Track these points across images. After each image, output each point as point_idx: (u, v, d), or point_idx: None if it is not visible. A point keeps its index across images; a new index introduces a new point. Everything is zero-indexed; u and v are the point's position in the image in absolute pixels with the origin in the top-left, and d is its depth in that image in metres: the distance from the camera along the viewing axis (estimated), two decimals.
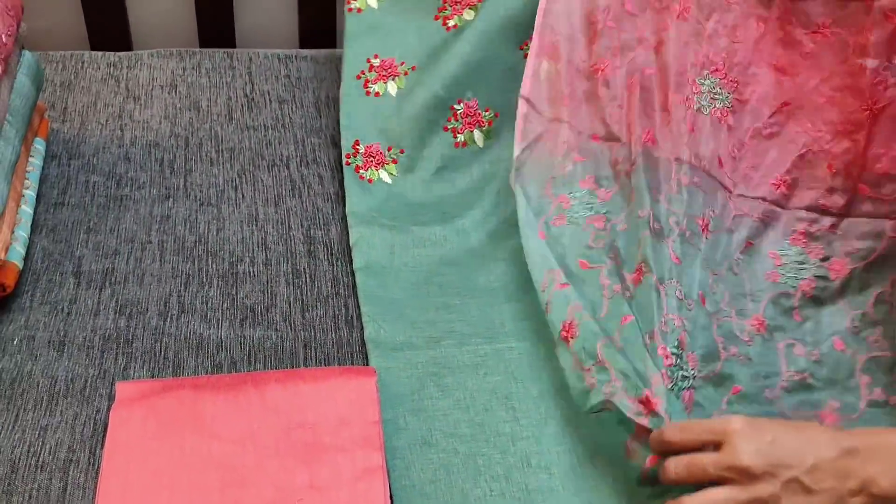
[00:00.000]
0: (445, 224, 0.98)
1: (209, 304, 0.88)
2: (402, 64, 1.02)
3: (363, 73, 1.03)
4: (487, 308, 0.90)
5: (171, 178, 1.01)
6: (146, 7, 1.24)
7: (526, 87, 0.92)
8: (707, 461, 0.65)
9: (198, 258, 0.92)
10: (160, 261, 0.92)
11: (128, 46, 1.23)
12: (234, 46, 1.26)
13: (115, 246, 0.93)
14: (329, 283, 0.91)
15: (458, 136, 1.02)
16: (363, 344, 0.86)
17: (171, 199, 0.98)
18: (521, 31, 0.99)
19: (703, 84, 0.88)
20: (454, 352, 0.86)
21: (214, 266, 0.92)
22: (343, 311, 0.89)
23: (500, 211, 0.97)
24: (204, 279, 0.90)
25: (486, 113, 1.02)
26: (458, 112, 1.02)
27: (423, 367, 0.84)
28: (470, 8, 1.02)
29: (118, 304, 0.87)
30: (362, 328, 0.87)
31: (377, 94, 1.02)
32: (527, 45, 0.97)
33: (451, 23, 1.02)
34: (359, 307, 0.89)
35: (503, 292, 0.92)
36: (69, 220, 0.95)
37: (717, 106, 0.88)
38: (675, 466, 0.66)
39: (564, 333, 0.80)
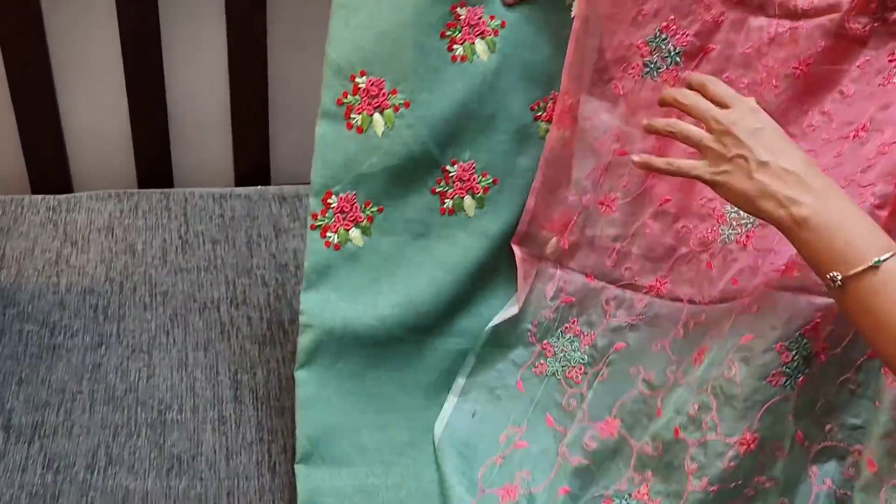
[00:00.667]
0: (406, 315, 0.91)
1: (137, 455, 0.91)
2: (395, 93, 0.86)
3: (346, 95, 0.85)
4: (420, 429, 0.93)
5: (105, 325, 1.05)
6: (86, 149, 1.29)
7: (521, 232, 0.91)
8: (706, 104, 0.73)
9: (127, 407, 0.96)
10: (90, 411, 0.95)
11: (68, 188, 1.28)
12: (171, 186, 1.31)
13: (45, 397, 0.96)
14: (253, 429, 0.95)
15: (447, 200, 0.91)
16: (284, 489, 0.89)
17: (103, 347, 1.02)
18: (537, 86, 0.89)
19: (729, 213, 0.88)
20: (379, 484, 0.90)
21: (143, 415, 0.95)
22: (266, 458, 0.92)
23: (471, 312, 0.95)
24: (132, 429, 0.93)
25: (484, 178, 0.91)
26: (451, 175, 0.90)
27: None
28: (481, 38, 0.87)
29: (46, 458, 0.90)
30: (286, 472, 0.90)
31: (360, 129, 0.86)
32: (539, 104, 0.90)
33: (458, 50, 0.86)
34: (284, 451, 0.92)
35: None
36: (1, 372, 0.98)
37: (744, 230, 0.88)
38: (681, 92, 0.75)
39: (503, 493, 0.85)
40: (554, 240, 0.93)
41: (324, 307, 0.89)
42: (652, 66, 0.88)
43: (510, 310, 0.93)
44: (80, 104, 1.26)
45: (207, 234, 1.19)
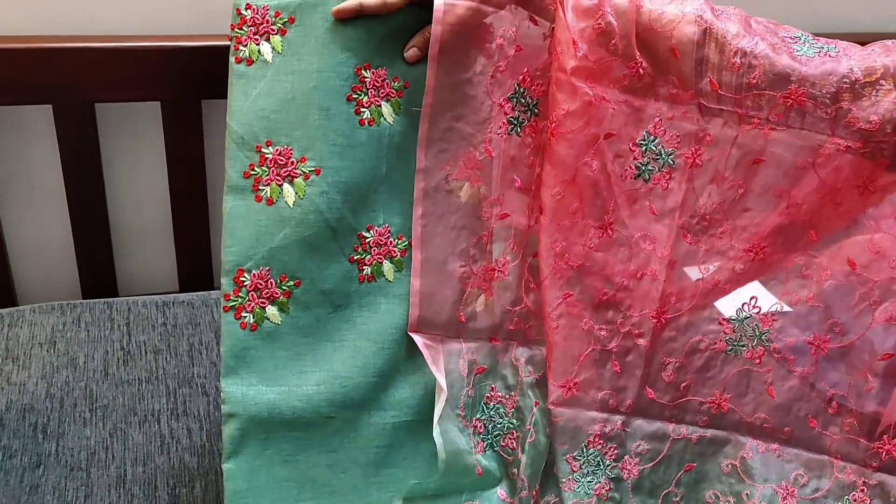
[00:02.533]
0: (333, 392, 0.89)
1: None
2: (304, 161, 0.85)
3: (252, 167, 0.85)
4: None
5: (44, 444, 1.05)
6: (29, 263, 1.31)
7: (413, 316, 0.91)
8: None
9: None
10: None
11: (13, 302, 1.29)
12: (116, 294, 1.33)
13: None
14: None
15: (365, 268, 0.91)
16: None
17: (41, 467, 1.03)
18: None
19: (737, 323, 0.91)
20: None
21: None
22: None
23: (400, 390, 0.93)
24: None
25: (400, 241, 0.92)
26: (368, 240, 0.90)
27: None
28: (387, 101, 0.88)
29: None
30: None
31: (270, 200, 0.85)
32: (450, 163, 0.91)
33: (365, 114, 0.87)
34: None
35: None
36: None
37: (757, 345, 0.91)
38: None
39: None
40: (482, 297, 0.94)
41: (246, 393, 0.86)
42: (515, 122, 0.90)
43: (441, 398, 0.92)
44: (23, 218, 1.29)
45: (150, 344, 1.20)
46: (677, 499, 0.93)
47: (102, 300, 1.27)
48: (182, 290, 1.35)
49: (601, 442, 0.93)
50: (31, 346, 1.19)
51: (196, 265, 1.34)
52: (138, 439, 1.07)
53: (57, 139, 1.20)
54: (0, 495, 0.99)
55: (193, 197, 1.29)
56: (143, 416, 1.10)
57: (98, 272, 1.31)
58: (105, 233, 1.29)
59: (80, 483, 1.01)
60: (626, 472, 0.93)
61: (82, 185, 1.24)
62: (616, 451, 0.93)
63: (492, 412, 0.97)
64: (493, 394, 0.97)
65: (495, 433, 0.97)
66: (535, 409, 0.96)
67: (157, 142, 1.24)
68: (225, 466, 0.87)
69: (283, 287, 0.86)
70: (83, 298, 1.32)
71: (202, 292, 1.30)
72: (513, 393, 0.97)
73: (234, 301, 0.85)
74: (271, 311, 0.86)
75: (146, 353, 1.19)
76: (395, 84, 0.89)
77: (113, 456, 1.05)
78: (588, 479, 0.93)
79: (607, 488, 0.93)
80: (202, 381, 1.15)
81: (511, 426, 0.96)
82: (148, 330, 1.23)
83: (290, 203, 0.85)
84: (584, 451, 0.92)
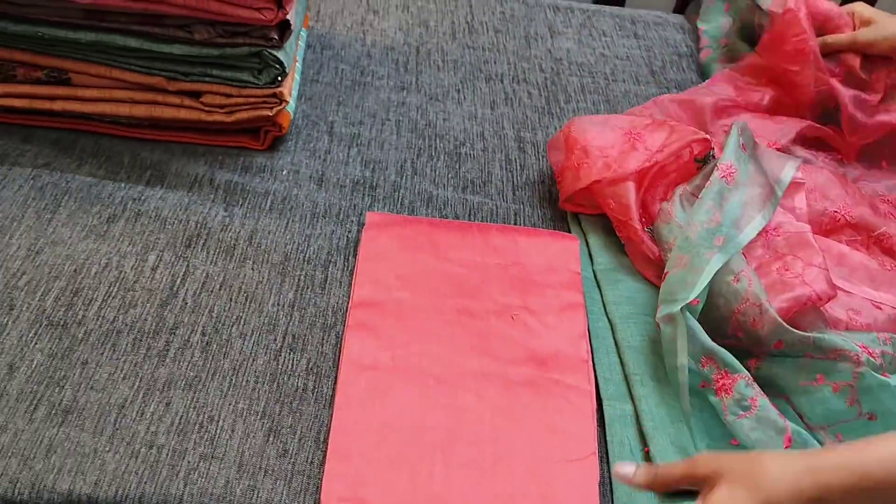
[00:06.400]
0: None
1: (437, 172, 1.05)
2: None
3: None
4: None
5: (405, 76, 1.18)
6: None
7: None
8: None
9: (428, 137, 1.09)
10: (397, 134, 1.09)
11: None
12: None
13: (359, 118, 1.10)
14: (536, 173, 1.07)
15: None
16: (565, 220, 1.01)
17: (405, 91, 1.16)
18: None
19: None
20: None
21: (441, 145, 1.08)
22: (548, 195, 1.04)
23: None
24: (433, 153, 1.07)
25: None
26: None
27: None
28: None
29: (363, 160, 1.05)
30: (565, 212, 1.02)
31: None
32: None
33: None
34: None
35: None
36: (323, 94, 1.13)
37: None
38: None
39: None
40: None
41: None
42: None
43: None
44: None
45: (490, 25, 1.31)
46: None
47: None
48: None
49: None
50: (387, 6, 1.31)
51: None
52: (485, 91, 1.18)
53: None
54: (372, 103, 1.13)
55: None
56: (487, 75, 1.21)
57: None
58: None
59: (439, 109, 1.14)
60: None
61: None
62: None
63: None
64: None
65: None
66: None
67: None
68: None
69: None
70: None
71: None
72: None
73: None
74: None
75: (488, 30, 1.30)
76: None
77: (464, 97, 1.17)
78: None
79: None
80: (538, 61, 1.25)
81: None
82: (489, 13, 1.33)
83: None
84: None
